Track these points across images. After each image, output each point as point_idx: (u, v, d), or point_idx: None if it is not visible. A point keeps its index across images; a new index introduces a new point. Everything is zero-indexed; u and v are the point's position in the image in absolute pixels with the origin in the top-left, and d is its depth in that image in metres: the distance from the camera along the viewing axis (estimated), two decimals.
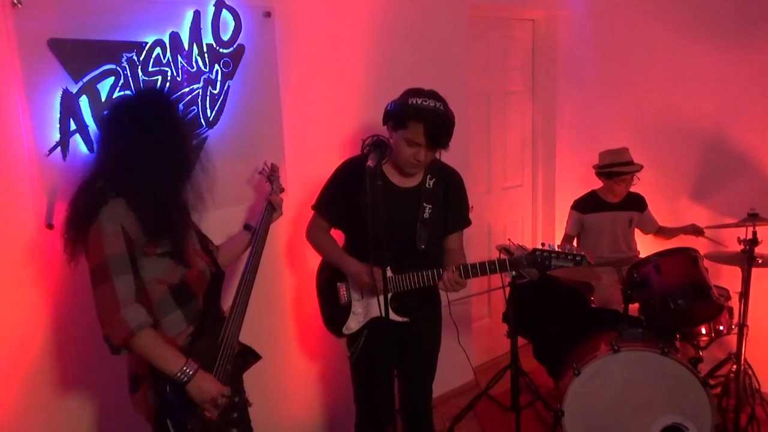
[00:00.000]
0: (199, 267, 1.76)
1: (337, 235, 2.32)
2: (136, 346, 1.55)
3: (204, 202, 1.72)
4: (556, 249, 1.97)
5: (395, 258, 2.05)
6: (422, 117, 1.96)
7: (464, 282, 2.03)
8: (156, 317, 1.61)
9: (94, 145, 1.91)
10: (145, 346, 1.56)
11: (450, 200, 2.21)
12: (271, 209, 2.16)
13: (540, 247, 1.98)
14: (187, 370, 1.58)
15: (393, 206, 2.03)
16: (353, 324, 2.20)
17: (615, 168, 3.20)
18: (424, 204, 2.13)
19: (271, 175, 2.33)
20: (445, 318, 2.41)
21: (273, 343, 2.71)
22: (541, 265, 1.98)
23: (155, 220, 1.58)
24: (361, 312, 2.20)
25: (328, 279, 2.28)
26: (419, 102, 1.98)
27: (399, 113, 2.01)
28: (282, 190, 2.32)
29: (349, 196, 2.16)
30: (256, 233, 2.06)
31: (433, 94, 2.03)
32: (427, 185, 2.16)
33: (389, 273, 2.03)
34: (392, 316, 2.08)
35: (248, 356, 1.93)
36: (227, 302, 1.89)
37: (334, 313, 2.26)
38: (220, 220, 2.38)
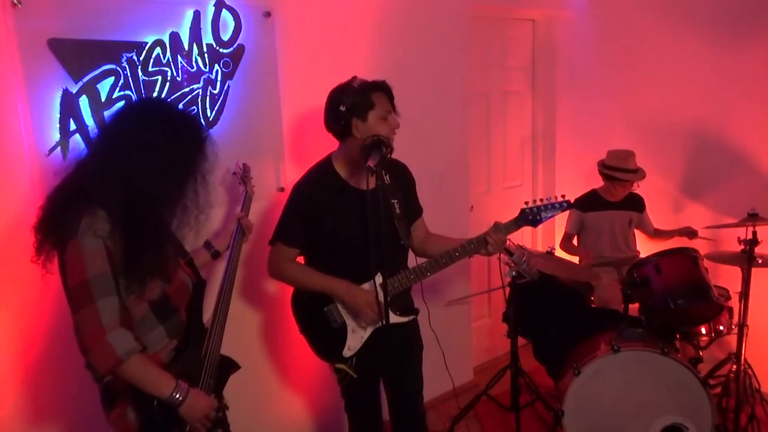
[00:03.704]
0: (181, 279, 1.67)
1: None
2: (124, 373, 1.46)
3: (203, 213, 1.62)
4: (540, 203, 2.19)
5: (385, 260, 2.01)
6: (378, 86, 1.99)
7: (506, 238, 2.19)
8: (137, 335, 1.51)
9: (93, 141, 1.68)
10: (133, 373, 1.47)
11: (407, 191, 2.24)
12: (242, 233, 2.05)
13: (525, 205, 2.20)
14: (177, 395, 1.51)
15: (366, 209, 2.02)
16: (355, 342, 2.10)
17: (617, 173, 3.20)
18: (392, 200, 2.12)
19: (245, 175, 2.26)
20: (441, 318, 2.40)
21: (271, 350, 2.71)
22: (532, 220, 2.18)
23: (140, 239, 1.47)
24: (360, 328, 2.11)
25: (310, 306, 2.15)
26: (362, 80, 2.01)
27: (359, 99, 1.97)
28: (253, 192, 2.25)
29: (318, 214, 2.06)
30: (229, 259, 1.95)
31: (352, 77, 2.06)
32: (386, 181, 2.11)
33: (379, 280, 1.99)
34: (398, 319, 2.08)
35: (229, 367, 1.85)
36: (207, 311, 1.83)
37: (327, 338, 2.14)
38: (219, 219, 2.39)
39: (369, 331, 2.11)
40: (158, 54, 2.14)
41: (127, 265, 1.47)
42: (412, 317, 2.16)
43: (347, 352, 2.10)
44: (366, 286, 2.09)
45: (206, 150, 1.60)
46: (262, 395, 2.71)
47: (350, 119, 1.98)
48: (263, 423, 2.72)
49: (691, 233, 3.20)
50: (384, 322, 1.91)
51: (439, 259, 2.10)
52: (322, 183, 2.10)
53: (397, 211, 2.13)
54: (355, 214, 2.05)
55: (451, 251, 2.10)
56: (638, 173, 3.21)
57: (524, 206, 2.21)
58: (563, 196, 2.25)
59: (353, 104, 1.98)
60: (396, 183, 2.18)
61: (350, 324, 2.10)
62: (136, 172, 1.47)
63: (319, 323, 2.13)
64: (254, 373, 2.59)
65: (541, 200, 2.21)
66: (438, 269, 2.11)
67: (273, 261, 2.16)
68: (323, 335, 2.15)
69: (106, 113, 2.02)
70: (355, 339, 2.10)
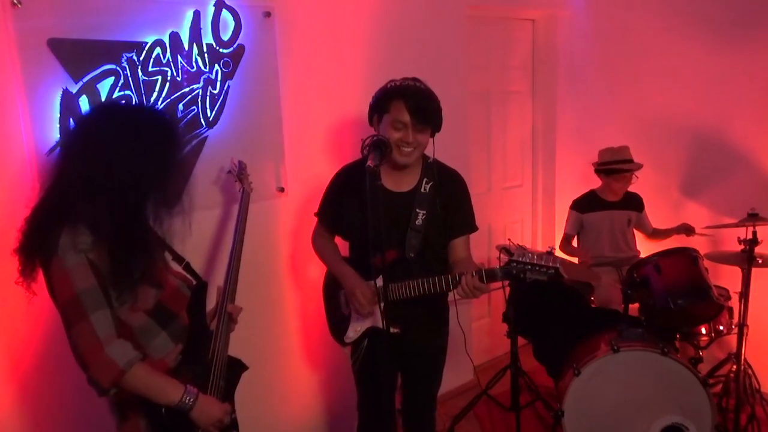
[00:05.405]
0: (173, 285, 1.63)
1: (342, 243, 2.28)
2: (129, 383, 1.42)
3: (189, 212, 1.58)
4: (531, 261, 1.88)
5: (386, 266, 1.94)
6: (402, 94, 1.96)
7: (486, 287, 1.92)
8: (141, 343, 1.48)
9: (65, 152, 1.58)
10: (138, 383, 1.43)
11: (450, 204, 2.10)
12: (227, 324, 1.81)
13: (516, 258, 1.90)
14: (188, 399, 1.48)
15: (384, 211, 1.92)
16: (352, 333, 2.15)
17: (615, 165, 3.21)
18: (417, 210, 2.05)
19: (240, 172, 2.26)
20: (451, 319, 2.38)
21: (275, 350, 2.71)
22: (516, 277, 1.92)
23: (126, 247, 1.44)
24: (359, 322, 2.14)
25: (332, 287, 2.25)
26: (398, 83, 2.02)
27: (381, 99, 2.02)
28: (251, 189, 2.24)
29: (344, 202, 2.13)
30: (233, 247, 1.91)
31: (411, 78, 2.05)
32: (422, 189, 2.07)
33: (379, 283, 1.94)
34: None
35: (237, 368, 1.82)
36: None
37: (336, 321, 2.24)
38: (215, 221, 2.39)
39: (364, 327, 2.14)
40: (158, 54, 2.14)
41: (115, 275, 1.44)
42: (395, 330, 2.00)
43: (346, 339, 2.17)
44: None
45: (181, 142, 1.60)
46: (270, 394, 2.71)
47: (373, 113, 2.08)
48: (271, 420, 2.73)
49: (688, 230, 3.20)
50: (381, 325, 1.90)
51: (422, 281, 1.98)
52: (354, 171, 2.12)
53: (417, 222, 2.04)
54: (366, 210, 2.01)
55: (435, 278, 1.96)
56: (635, 163, 3.22)
57: (513, 259, 1.92)
58: (552, 249, 1.94)
59: (375, 102, 2.06)
60: (437, 193, 2.08)
61: (353, 315, 2.15)
62: (118, 181, 1.43)
63: (334, 304, 2.24)
64: (261, 372, 2.58)
65: (534, 257, 1.89)
66: (418, 291, 1.98)
67: (313, 232, 2.32)
68: (334, 317, 2.26)
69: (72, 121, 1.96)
70: (353, 330, 2.16)
